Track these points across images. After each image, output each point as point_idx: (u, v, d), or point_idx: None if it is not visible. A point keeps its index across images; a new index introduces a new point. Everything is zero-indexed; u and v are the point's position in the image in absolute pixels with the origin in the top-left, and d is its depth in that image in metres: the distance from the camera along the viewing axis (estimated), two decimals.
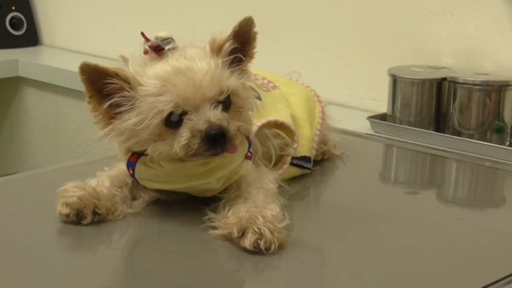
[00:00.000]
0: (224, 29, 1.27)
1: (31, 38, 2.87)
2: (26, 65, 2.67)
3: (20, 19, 2.83)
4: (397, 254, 1.21)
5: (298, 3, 2.19)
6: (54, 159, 2.67)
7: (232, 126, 1.22)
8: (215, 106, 1.22)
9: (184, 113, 1.21)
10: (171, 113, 1.20)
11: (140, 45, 1.29)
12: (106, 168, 1.35)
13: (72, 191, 1.25)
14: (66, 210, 1.24)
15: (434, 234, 1.28)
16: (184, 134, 1.20)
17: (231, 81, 1.24)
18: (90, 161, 1.61)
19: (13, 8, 2.82)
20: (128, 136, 1.23)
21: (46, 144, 2.72)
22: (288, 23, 2.21)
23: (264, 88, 1.47)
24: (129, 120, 1.21)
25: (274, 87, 1.51)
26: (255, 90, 1.40)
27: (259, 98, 1.41)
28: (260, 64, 1.32)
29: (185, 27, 2.36)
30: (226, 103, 1.24)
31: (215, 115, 1.21)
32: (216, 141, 1.20)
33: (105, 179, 1.31)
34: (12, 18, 2.81)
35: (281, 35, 2.20)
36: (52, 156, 2.69)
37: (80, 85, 1.22)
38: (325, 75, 2.11)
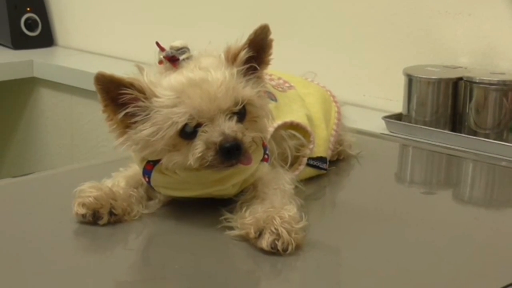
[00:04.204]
0: (240, 31, 1.25)
1: (46, 39, 2.89)
2: (41, 66, 2.68)
3: (35, 20, 2.84)
4: (414, 255, 1.20)
5: (313, 4, 2.19)
6: (69, 159, 2.67)
7: (247, 138, 1.21)
8: (230, 117, 1.21)
9: (198, 124, 1.20)
10: (185, 125, 1.20)
11: (154, 47, 1.28)
12: (121, 169, 1.35)
13: (89, 191, 1.25)
14: (82, 211, 1.24)
15: (451, 234, 1.28)
16: (198, 146, 1.20)
17: (246, 91, 1.23)
18: (106, 161, 1.61)
19: (28, 9, 2.83)
20: (143, 146, 1.23)
21: (61, 145, 2.73)
22: (303, 24, 2.21)
23: (280, 89, 1.47)
24: (144, 130, 1.21)
25: (290, 87, 1.50)
26: (270, 92, 1.39)
27: (274, 99, 1.40)
28: (275, 64, 1.32)
29: (199, 29, 2.38)
30: (241, 113, 1.23)
31: (229, 127, 1.20)
32: (230, 153, 1.19)
33: (121, 180, 1.31)
34: (27, 19, 2.82)
35: (296, 35, 2.20)
36: (67, 156, 2.70)
37: None
38: (340, 75, 2.11)
